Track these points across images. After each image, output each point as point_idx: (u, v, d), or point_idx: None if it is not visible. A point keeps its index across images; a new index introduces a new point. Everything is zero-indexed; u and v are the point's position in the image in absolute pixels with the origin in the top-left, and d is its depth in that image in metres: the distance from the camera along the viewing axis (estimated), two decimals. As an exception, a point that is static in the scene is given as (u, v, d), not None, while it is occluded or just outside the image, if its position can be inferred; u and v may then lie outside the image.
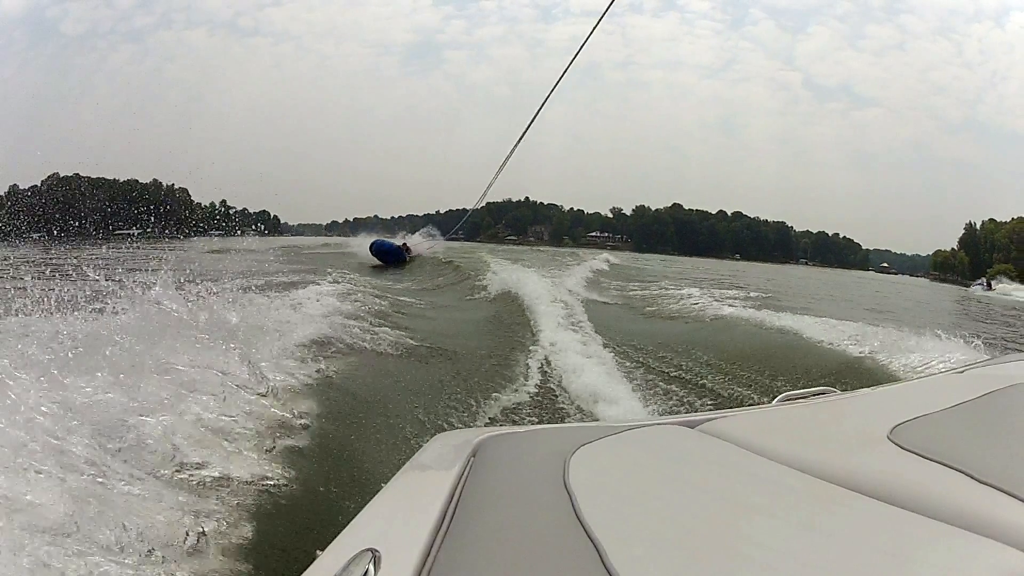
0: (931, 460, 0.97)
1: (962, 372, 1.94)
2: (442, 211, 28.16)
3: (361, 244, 26.19)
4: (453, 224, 29.34)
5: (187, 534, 2.18)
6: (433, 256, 23.12)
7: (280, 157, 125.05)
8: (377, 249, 22.52)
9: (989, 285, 45.21)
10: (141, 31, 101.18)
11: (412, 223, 26.37)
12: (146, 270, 4.36)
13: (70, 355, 2.88)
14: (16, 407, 2.32)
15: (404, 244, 23.73)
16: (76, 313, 3.61)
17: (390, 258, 22.01)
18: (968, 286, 48.22)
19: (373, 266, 20.37)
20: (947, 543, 0.75)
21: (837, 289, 28.30)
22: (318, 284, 10.18)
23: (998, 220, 74.96)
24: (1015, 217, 73.21)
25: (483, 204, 23.15)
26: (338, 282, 10.95)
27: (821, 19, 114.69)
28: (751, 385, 5.71)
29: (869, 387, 1.87)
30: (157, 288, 3.95)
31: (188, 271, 5.16)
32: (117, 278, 4.09)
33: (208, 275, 5.57)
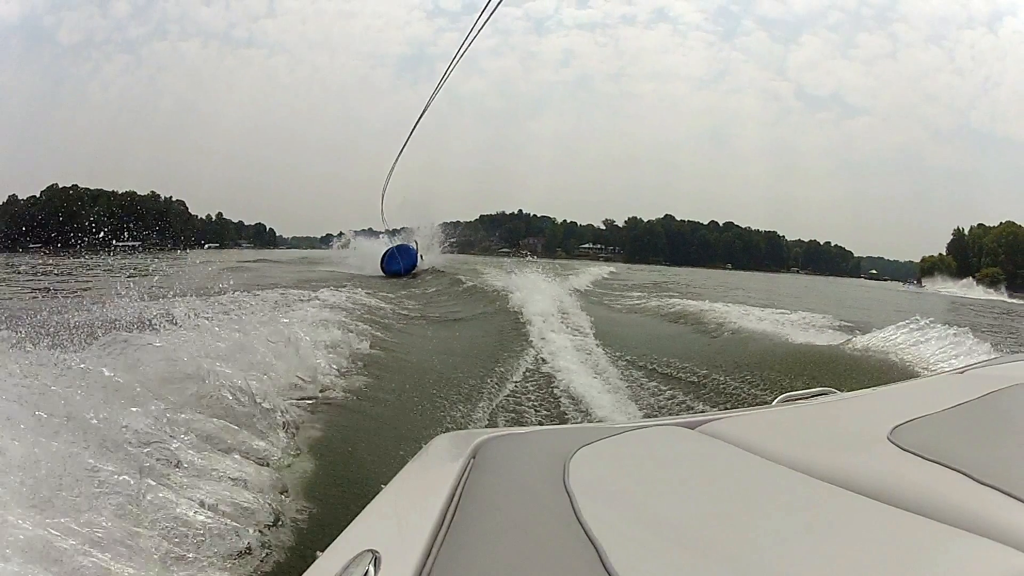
0: (931, 461, 0.98)
1: (963, 372, 1.93)
2: (436, 224, 29.01)
3: (347, 256, 25.32)
4: (447, 235, 29.56)
5: (187, 536, 2.21)
6: (444, 267, 22.18)
7: (274, 169, 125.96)
8: (392, 254, 20.54)
9: (919, 282, 60.18)
10: (136, 41, 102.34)
11: (405, 235, 26.06)
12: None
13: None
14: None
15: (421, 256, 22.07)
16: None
17: (402, 266, 20.13)
18: (913, 284, 61.57)
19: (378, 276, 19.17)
20: (947, 544, 0.76)
21: (795, 290, 31.87)
22: (324, 290, 10.76)
23: (987, 225, 76.33)
24: (1003, 221, 74.55)
25: (390, 226, 22.87)
26: (344, 289, 11.56)
27: (813, 29, 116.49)
28: (749, 385, 5.80)
29: (869, 387, 1.87)
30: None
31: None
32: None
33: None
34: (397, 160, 17.24)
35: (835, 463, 1.05)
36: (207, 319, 4.63)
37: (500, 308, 10.13)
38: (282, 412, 3.63)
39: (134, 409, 2.74)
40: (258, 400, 3.48)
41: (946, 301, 35.18)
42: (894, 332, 7.00)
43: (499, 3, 6.29)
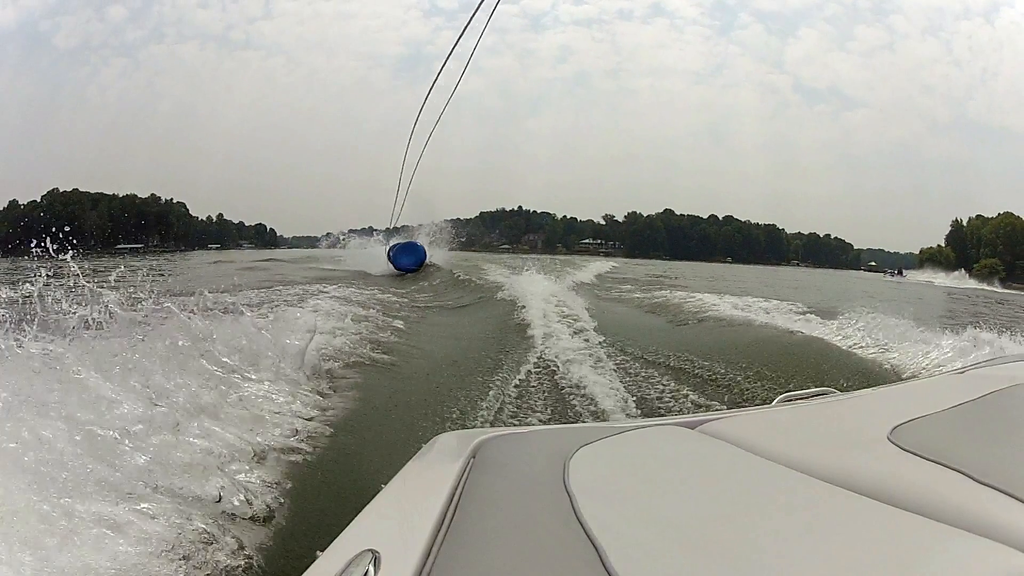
0: (931, 461, 0.98)
1: (963, 372, 1.93)
2: (437, 221, 29.45)
3: (341, 255, 25.66)
4: (445, 232, 29.82)
5: (190, 536, 2.25)
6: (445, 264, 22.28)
7: (274, 169, 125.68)
8: (401, 251, 20.81)
9: (900, 272, 61.39)
10: (133, 45, 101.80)
11: (407, 233, 26.36)
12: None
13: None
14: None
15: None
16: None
17: (412, 262, 20.31)
18: (893, 275, 62.09)
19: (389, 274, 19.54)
20: (947, 544, 0.76)
21: (788, 281, 33.81)
22: (326, 289, 11.44)
23: (986, 216, 76.22)
24: (1002, 212, 74.53)
25: (397, 223, 23.38)
26: (349, 286, 12.37)
27: (810, 22, 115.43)
28: (750, 383, 5.89)
29: (869, 387, 1.88)
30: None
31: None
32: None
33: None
34: (418, 160, 17.46)
35: (835, 463, 1.06)
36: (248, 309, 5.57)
37: (501, 299, 10.72)
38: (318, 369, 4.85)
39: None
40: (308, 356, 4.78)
41: (922, 290, 37.13)
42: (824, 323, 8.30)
43: (497, 3, 6.46)
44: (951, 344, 6.42)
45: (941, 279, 54.57)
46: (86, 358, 3.06)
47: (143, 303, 4.18)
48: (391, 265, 20.47)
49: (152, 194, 78.57)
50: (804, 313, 10.03)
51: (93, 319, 3.64)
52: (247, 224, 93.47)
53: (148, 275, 4.88)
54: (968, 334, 6.74)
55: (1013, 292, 41.59)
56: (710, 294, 13.29)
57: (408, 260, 20.52)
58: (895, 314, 7.78)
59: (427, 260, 21.30)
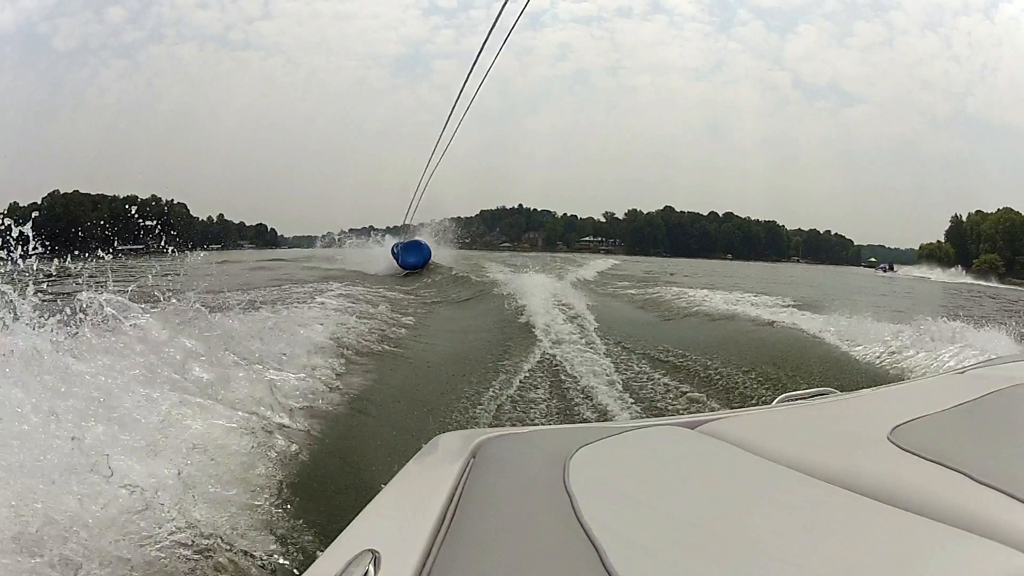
0: (931, 461, 0.98)
1: (963, 372, 1.94)
2: (437, 220, 29.62)
3: (335, 254, 25.91)
4: (450, 231, 29.92)
5: (188, 536, 2.26)
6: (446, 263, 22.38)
7: (274, 169, 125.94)
8: (406, 250, 20.85)
9: (892, 268, 62.73)
10: (132, 46, 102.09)
11: (409, 232, 26.44)
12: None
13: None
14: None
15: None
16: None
17: (418, 261, 20.38)
18: (885, 270, 62.89)
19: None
20: (947, 544, 0.76)
21: (784, 277, 34.05)
22: (326, 287, 11.70)
23: (985, 212, 76.12)
24: (1001, 208, 74.46)
25: (411, 220, 23.61)
26: (351, 284, 12.62)
27: (809, 18, 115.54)
28: (749, 382, 5.89)
29: (869, 387, 1.88)
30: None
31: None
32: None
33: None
34: (436, 164, 17.55)
35: (835, 463, 1.06)
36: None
37: (502, 297, 10.86)
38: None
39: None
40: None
41: (914, 284, 37.74)
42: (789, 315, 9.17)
43: (521, 13, 6.55)
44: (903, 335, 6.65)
45: (937, 275, 54.39)
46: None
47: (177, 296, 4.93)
48: (396, 263, 20.55)
49: (153, 195, 78.90)
50: (788, 306, 10.72)
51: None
52: (248, 224, 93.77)
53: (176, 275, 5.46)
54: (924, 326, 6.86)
55: (1008, 287, 41.41)
56: (705, 290, 13.89)
57: (413, 259, 20.56)
58: (864, 309, 8.21)
59: (431, 259, 21.39)
